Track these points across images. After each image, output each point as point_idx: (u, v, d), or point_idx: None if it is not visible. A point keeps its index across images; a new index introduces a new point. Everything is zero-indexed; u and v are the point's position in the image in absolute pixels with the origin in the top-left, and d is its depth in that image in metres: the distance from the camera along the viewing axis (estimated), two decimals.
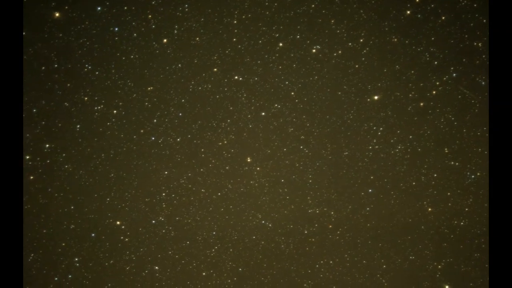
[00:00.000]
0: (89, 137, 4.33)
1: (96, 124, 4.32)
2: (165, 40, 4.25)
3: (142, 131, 4.40)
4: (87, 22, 4.13)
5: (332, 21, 4.27)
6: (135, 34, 4.21)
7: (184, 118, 4.42)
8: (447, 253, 4.55)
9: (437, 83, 4.34)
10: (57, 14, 4.07)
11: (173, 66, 4.31)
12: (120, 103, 4.33)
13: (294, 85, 4.40)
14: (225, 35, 4.28)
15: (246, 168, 4.53)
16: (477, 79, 4.27)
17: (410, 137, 4.45)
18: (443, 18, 4.23)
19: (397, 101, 4.40)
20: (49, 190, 4.33)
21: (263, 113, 4.46)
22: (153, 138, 4.42)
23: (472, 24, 4.19)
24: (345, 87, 4.40)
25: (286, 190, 4.57)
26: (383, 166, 4.51)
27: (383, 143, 4.47)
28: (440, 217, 4.53)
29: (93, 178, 4.41)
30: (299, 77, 4.38)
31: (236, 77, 4.39)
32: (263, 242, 4.62)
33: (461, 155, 4.43)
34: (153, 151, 4.44)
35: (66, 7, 4.07)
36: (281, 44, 4.33)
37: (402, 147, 4.46)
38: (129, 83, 4.30)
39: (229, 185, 4.54)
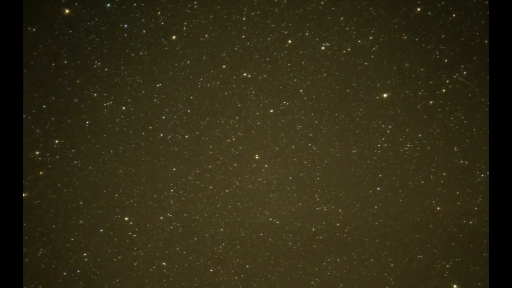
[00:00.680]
0: (98, 133, 4.35)
1: (105, 120, 4.35)
2: (174, 37, 4.26)
3: (150, 127, 4.42)
4: (96, 19, 4.15)
5: (341, 18, 4.25)
6: (144, 31, 4.22)
7: (193, 115, 4.43)
8: (455, 252, 4.52)
9: (447, 81, 4.31)
10: (66, 11, 4.09)
11: (182, 63, 4.32)
12: (129, 100, 4.34)
13: (303, 83, 4.39)
14: (234, 32, 4.28)
15: (254, 165, 4.53)
16: (488, 77, 4.24)
17: (419, 135, 4.42)
18: (454, 15, 4.19)
19: (406, 99, 4.37)
20: (58, 185, 4.37)
21: (271, 111, 4.46)
22: (161, 135, 4.44)
23: (483, 22, 4.15)
24: (354, 84, 4.38)
25: (294, 187, 4.57)
26: (391, 165, 4.49)
27: (392, 141, 4.45)
28: (449, 216, 4.50)
29: (101, 174, 4.43)
30: (308, 74, 4.37)
31: (244, 74, 4.38)
32: (270, 240, 4.62)
33: (471, 154, 4.40)
34: (161, 147, 4.45)
35: (76, 4, 4.09)
36: (290, 41, 4.32)
37: (411, 146, 4.44)
38: (138, 80, 4.32)
39: (237, 182, 4.55)
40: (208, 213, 4.58)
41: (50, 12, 4.07)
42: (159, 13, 4.19)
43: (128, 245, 4.54)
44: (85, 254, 4.48)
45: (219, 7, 4.22)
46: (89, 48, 4.19)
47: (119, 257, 4.53)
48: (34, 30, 4.07)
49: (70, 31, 4.13)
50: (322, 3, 4.22)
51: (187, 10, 4.21)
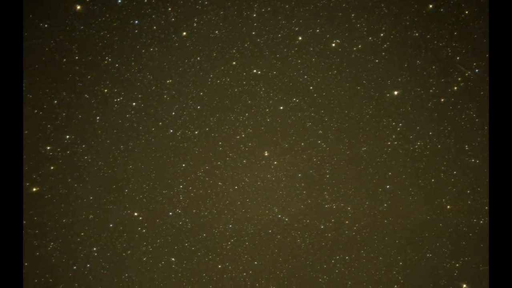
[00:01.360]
0: (108, 129, 4.38)
1: (116, 116, 4.37)
2: (184, 33, 4.27)
3: (160, 123, 4.43)
4: (107, 15, 4.16)
5: (353, 15, 4.22)
6: (154, 27, 4.23)
7: (202, 111, 4.44)
8: (465, 251, 4.49)
9: (459, 79, 4.27)
10: (78, 7, 4.11)
11: (192, 59, 4.33)
12: (139, 96, 4.36)
13: (313, 80, 4.38)
14: (244, 28, 4.27)
15: (263, 162, 4.53)
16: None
17: (430, 133, 4.39)
18: (466, 12, 4.15)
19: (417, 96, 4.34)
20: (69, 180, 4.40)
21: (281, 107, 4.45)
22: (171, 131, 4.45)
23: None
24: (364, 82, 4.35)
25: (303, 184, 4.56)
26: (401, 163, 4.46)
27: (402, 139, 4.43)
28: (459, 215, 4.47)
29: (111, 169, 4.46)
30: (318, 71, 4.36)
31: (254, 71, 4.38)
32: (279, 236, 4.62)
33: (482, 153, 4.36)
34: (171, 143, 4.47)
35: (87, 0, 4.11)
36: (300, 38, 4.30)
37: (422, 144, 4.41)
38: (148, 76, 4.33)
39: (246, 179, 4.55)
40: (217, 209, 4.59)
41: (62, 9, 4.10)
42: (169, 9, 4.20)
43: (138, 240, 4.57)
44: (94, 249, 4.51)
45: (229, 3, 4.22)
46: (100, 44, 4.21)
47: (129, 252, 4.56)
48: (46, 26, 4.10)
49: (82, 27, 4.15)
50: None
51: (197, 7, 4.21)
